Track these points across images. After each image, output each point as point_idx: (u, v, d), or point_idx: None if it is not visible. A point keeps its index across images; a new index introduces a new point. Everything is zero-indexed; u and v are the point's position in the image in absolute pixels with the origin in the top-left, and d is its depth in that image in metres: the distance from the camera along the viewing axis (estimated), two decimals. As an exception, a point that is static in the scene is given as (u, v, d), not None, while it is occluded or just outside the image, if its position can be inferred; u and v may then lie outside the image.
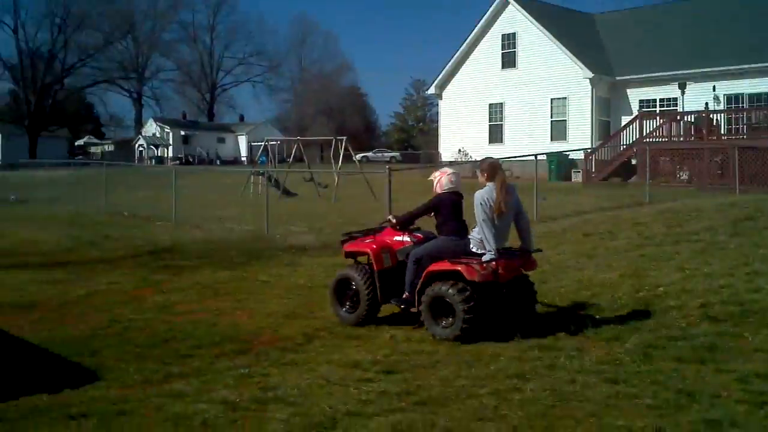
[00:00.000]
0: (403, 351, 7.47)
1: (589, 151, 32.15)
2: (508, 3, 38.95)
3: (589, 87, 35.59)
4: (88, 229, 18.40)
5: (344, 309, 8.93)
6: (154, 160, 77.29)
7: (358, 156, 46.71)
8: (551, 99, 37.34)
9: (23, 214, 22.63)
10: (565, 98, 36.76)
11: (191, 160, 77.26)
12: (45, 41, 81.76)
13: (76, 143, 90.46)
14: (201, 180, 34.86)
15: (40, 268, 13.05)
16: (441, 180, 8.70)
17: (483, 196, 8.16)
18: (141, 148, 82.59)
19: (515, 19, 38.89)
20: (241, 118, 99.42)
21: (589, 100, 35.76)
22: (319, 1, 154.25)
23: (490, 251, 7.99)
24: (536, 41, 37.82)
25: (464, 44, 41.19)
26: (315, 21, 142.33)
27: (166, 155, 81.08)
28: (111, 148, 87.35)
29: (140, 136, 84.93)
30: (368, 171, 29.23)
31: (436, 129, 48.20)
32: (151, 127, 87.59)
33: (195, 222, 19.31)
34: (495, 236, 8.05)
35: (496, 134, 39.89)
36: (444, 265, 8.06)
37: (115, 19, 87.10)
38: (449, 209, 8.55)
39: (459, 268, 7.89)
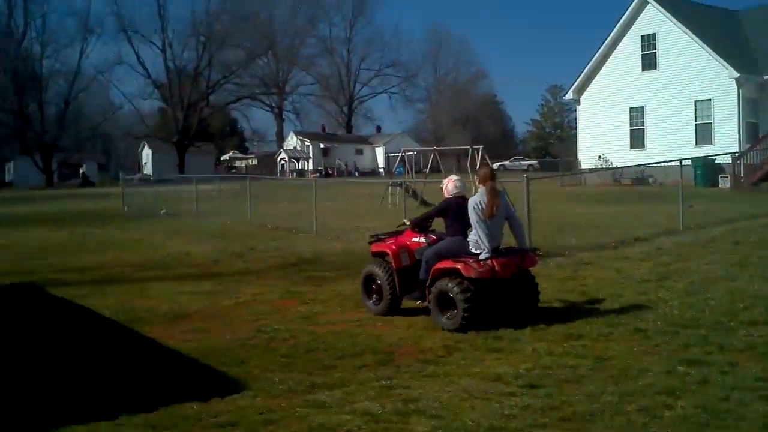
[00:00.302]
0: (546, 365, 7.31)
1: (737, 155, 30.76)
2: (647, 3, 37.87)
3: (735, 87, 34.07)
4: (234, 242, 19.03)
5: (371, 301, 10.20)
6: (295, 173, 79.27)
7: (495, 164, 46.53)
8: (695, 101, 35.97)
9: (174, 228, 23.66)
10: (710, 100, 35.32)
11: (330, 172, 78.84)
12: (191, 60, 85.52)
13: (221, 158, 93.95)
14: (340, 191, 35.37)
15: (190, 279, 13.58)
16: (447, 186, 9.77)
17: (476, 200, 9.19)
18: (283, 162, 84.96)
19: (655, 19, 37.74)
20: (378, 129, 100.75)
21: (736, 101, 34.21)
22: (453, 9, 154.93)
23: (485, 250, 8.97)
24: (678, 41, 36.56)
25: (602, 47, 40.33)
26: (449, 29, 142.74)
27: (306, 168, 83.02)
28: (254, 162, 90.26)
29: (282, 150, 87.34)
30: (505, 180, 28.86)
31: (575, 135, 47.31)
32: (292, 141, 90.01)
33: (335, 233, 19.63)
34: (488, 236, 8.99)
35: (637, 139, 38.80)
36: (447, 264, 9.02)
37: (255, 37, 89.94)
38: (455, 212, 9.51)
39: (458, 267, 8.85)
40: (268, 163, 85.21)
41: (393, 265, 9.81)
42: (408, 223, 10.30)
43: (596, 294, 10.50)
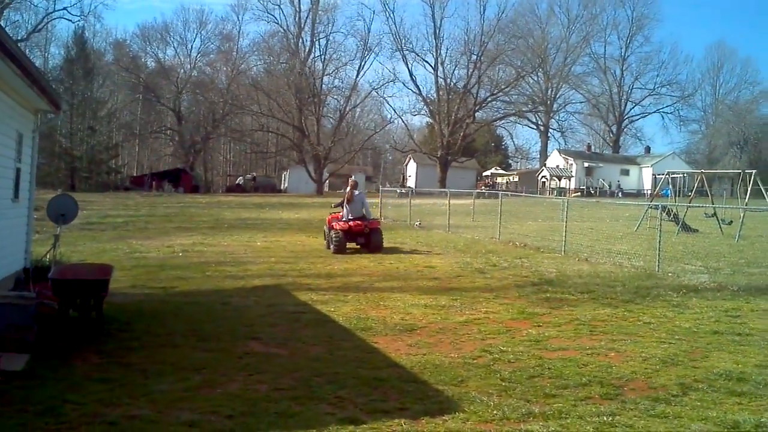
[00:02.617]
0: (799, 416, 6.39)
1: None
2: None
3: None
4: (478, 257, 18.93)
5: (326, 243, 21.01)
6: (555, 192, 78.12)
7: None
8: None
9: (423, 239, 24.23)
10: None
11: (592, 191, 76.88)
12: (461, 77, 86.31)
13: (483, 174, 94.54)
14: (597, 212, 34.25)
15: (428, 293, 13.55)
16: (346, 186, 21.39)
17: (346, 195, 20.44)
18: (543, 179, 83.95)
19: None
20: (647, 150, 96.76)
21: None
22: (739, 27, 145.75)
23: (344, 218, 20.19)
24: None
25: None
26: (733, 47, 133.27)
27: (567, 186, 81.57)
28: (515, 179, 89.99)
29: (544, 168, 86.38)
30: (782, 208, 26.60)
31: None
32: (555, 159, 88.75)
33: (584, 255, 18.94)
34: (349, 211, 20.23)
35: None
36: (335, 224, 20.23)
37: (527, 55, 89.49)
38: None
39: (334, 225, 20.20)
40: (529, 180, 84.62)
41: (328, 226, 20.84)
42: (333, 204, 22.18)
43: None
